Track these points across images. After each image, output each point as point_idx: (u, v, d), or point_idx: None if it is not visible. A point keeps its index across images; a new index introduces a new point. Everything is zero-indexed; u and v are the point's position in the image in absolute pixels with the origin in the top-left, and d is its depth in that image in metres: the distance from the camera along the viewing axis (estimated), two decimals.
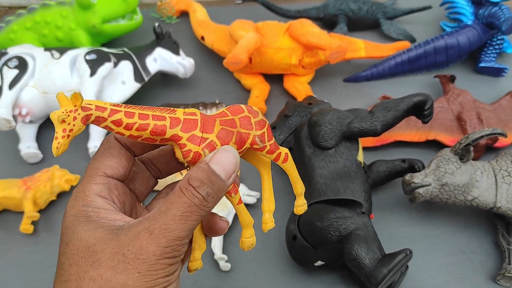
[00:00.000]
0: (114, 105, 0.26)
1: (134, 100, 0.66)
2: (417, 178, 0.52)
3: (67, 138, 0.26)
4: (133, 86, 0.64)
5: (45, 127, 0.66)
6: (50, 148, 0.65)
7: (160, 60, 0.67)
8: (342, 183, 0.50)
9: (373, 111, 0.53)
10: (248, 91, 0.71)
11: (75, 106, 0.25)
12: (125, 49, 0.67)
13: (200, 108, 0.64)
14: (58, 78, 0.61)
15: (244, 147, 0.29)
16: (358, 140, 0.54)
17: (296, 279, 0.52)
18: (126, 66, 0.64)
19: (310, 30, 0.67)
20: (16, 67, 0.61)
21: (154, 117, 0.27)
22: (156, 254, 0.24)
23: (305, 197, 0.50)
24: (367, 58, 0.72)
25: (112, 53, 0.64)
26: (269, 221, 0.32)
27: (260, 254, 0.54)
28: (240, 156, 0.29)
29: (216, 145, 0.27)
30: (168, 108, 0.28)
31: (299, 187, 0.32)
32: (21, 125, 0.63)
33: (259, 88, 0.69)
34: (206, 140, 0.27)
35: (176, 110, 0.28)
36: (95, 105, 0.26)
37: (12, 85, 0.59)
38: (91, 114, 0.26)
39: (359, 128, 0.52)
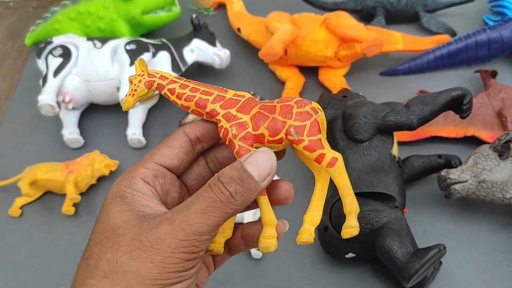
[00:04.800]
0: (176, 77, 0.30)
1: None
2: (453, 174, 0.51)
3: (132, 96, 0.30)
4: None
5: (87, 114, 0.69)
6: (91, 134, 0.67)
7: (197, 51, 0.68)
8: (375, 176, 0.50)
9: (409, 104, 0.52)
10: (282, 83, 0.71)
11: (142, 71, 0.30)
12: (164, 40, 0.68)
13: None
14: (100, 67, 0.63)
15: (279, 136, 0.27)
16: (393, 134, 0.54)
17: (326, 270, 0.52)
18: (164, 56, 0.66)
19: (346, 22, 0.66)
20: (60, 55, 0.63)
21: (203, 92, 0.29)
22: (172, 247, 0.24)
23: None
24: (405, 52, 0.71)
25: (151, 44, 0.66)
26: (306, 234, 0.28)
27: (291, 244, 0.54)
28: (296, 154, 0.28)
29: (248, 127, 0.27)
30: (223, 88, 0.29)
31: (348, 203, 0.27)
32: (64, 112, 0.65)
33: (294, 80, 0.69)
34: (237, 119, 0.27)
35: (228, 91, 0.29)
36: (160, 75, 0.30)
37: (56, 73, 0.62)
38: (154, 81, 0.30)
39: (394, 122, 0.51)
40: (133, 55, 0.62)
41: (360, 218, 0.45)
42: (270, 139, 0.27)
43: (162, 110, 0.69)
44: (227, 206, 0.25)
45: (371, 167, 0.50)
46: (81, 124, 0.67)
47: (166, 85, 0.29)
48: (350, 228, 0.28)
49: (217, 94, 0.29)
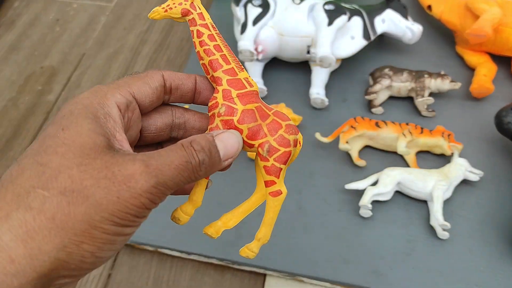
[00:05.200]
0: (211, 24, 0.29)
1: (354, 56, 0.67)
2: None
3: (164, 12, 0.29)
4: (360, 43, 0.65)
5: (270, 67, 0.70)
6: (272, 87, 0.69)
7: (388, 22, 0.67)
8: None
9: None
10: (469, 69, 0.68)
11: None
12: (356, 6, 0.67)
13: (425, 76, 0.63)
14: (296, 23, 0.63)
15: (253, 143, 0.28)
16: None
17: None
18: (357, 22, 0.65)
19: None
20: (260, 6, 0.64)
21: (223, 56, 0.28)
22: (143, 189, 0.23)
23: None
24: None
25: (346, 8, 0.65)
26: (214, 229, 0.29)
27: (478, 233, 0.52)
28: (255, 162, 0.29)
29: (235, 115, 0.27)
30: (241, 65, 0.29)
31: (263, 231, 0.29)
32: (251, 62, 0.67)
33: (487, 67, 0.65)
34: (232, 103, 0.28)
35: (243, 71, 0.29)
36: (201, 11, 0.29)
37: (255, 21, 0.63)
38: (191, 13, 0.29)
39: None
40: (331, 15, 0.62)
41: None
42: (245, 139, 0.28)
43: (341, 76, 0.69)
44: (193, 172, 0.25)
45: None
46: (264, 75, 0.68)
47: (198, 25, 0.29)
48: (250, 251, 0.29)
49: (233, 67, 0.28)
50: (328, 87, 0.66)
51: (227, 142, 0.27)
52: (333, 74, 0.68)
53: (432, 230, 0.52)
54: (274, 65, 0.70)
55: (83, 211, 0.22)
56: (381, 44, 0.72)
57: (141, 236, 0.55)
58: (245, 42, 0.62)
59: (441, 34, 0.72)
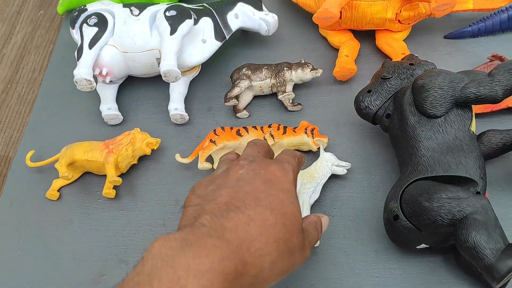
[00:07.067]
0: None
1: (214, 59, 0.62)
2: None
3: None
4: (214, 45, 0.60)
5: (124, 88, 0.64)
6: (130, 109, 0.63)
7: (241, 16, 0.62)
8: (453, 157, 0.43)
9: (493, 73, 0.45)
10: (335, 50, 0.64)
11: None
12: (205, 5, 0.62)
13: (285, 69, 0.59)
14: (138, 37, 0.58)
15: None
16: (472, 108, 0.47)
17: (392, 259, 0.47)
18: (206, 23, 0.60)
19: None
20: (95, 24, 0.58)
21: None
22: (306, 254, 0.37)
23: (408, 172, 0.45)
24: (475, 11, 0.63)
25: (192, 9, 0.60)
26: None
27: (352, 231, 0.49)
28: None
29: None
30: None
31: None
32: (101, 86, 0.61)
33: (349, 46, 0.62)
34: None
35: None
36: None
37: (92, 44, 0.57)
38: None
39: (476, 94, 0.44)
40: (174, 22, 0.56)
41: (438, 206, 0.40)
42: None
43: (203, 83, 0.64)
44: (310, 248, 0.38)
45: (448, 147, 0.44)
46: (119, 98, 0.63)
47: None
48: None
49: None
50: (190, 98, 0.62)
51: (325, 226, 0.41)
52: (193, 83, 0.63)
53: None
54: (131, 83, 0.64)
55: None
56: (241, 39, 0.68)
57: None
58: (79, 70, 0.55)
59: (304, 18, 0.68)
